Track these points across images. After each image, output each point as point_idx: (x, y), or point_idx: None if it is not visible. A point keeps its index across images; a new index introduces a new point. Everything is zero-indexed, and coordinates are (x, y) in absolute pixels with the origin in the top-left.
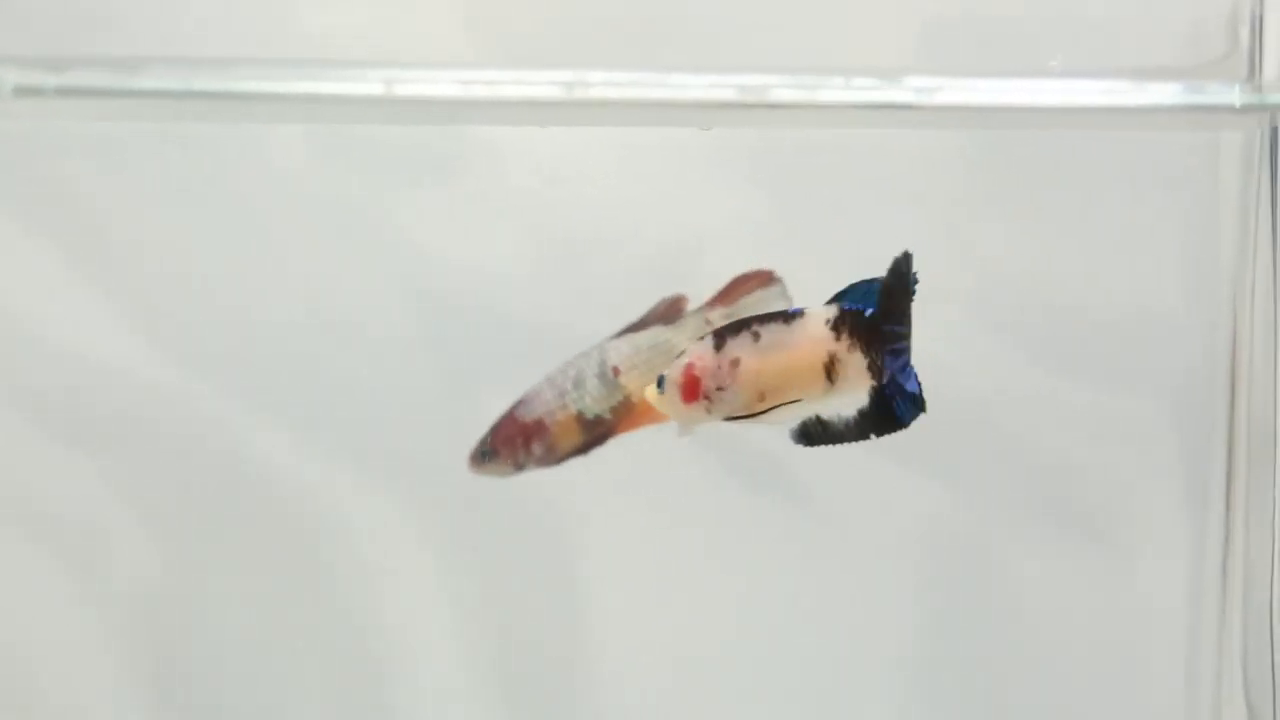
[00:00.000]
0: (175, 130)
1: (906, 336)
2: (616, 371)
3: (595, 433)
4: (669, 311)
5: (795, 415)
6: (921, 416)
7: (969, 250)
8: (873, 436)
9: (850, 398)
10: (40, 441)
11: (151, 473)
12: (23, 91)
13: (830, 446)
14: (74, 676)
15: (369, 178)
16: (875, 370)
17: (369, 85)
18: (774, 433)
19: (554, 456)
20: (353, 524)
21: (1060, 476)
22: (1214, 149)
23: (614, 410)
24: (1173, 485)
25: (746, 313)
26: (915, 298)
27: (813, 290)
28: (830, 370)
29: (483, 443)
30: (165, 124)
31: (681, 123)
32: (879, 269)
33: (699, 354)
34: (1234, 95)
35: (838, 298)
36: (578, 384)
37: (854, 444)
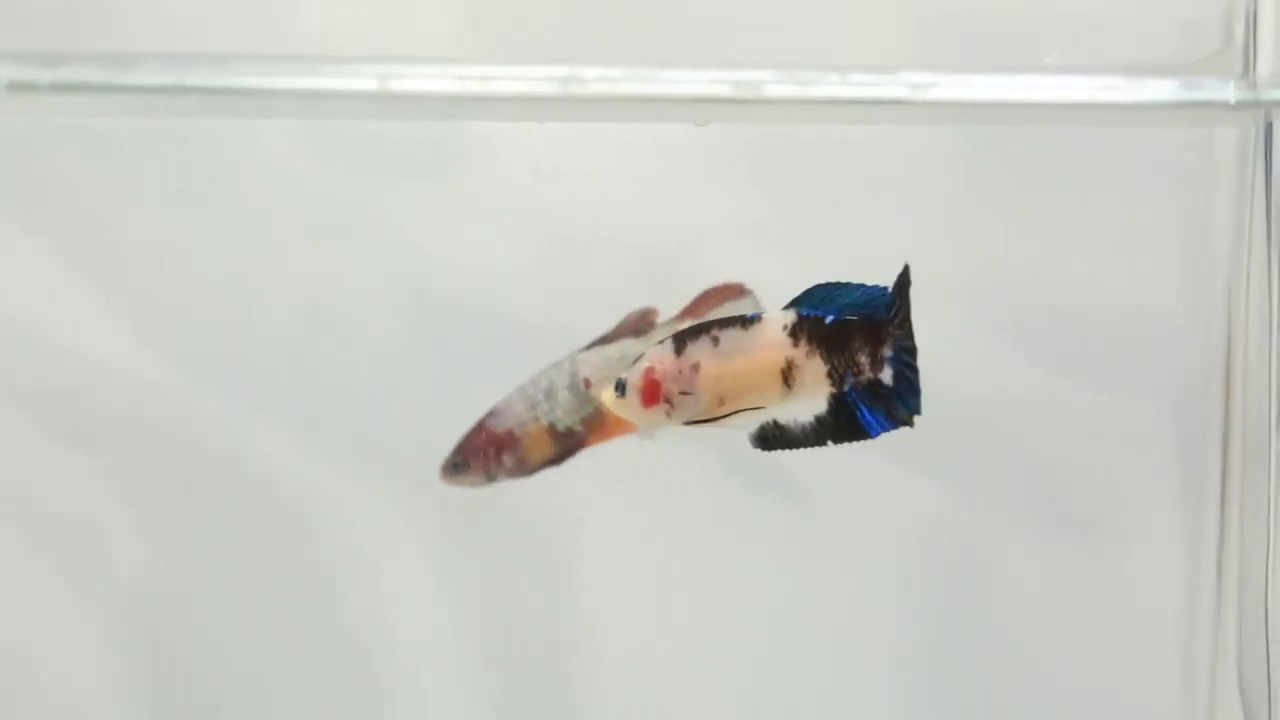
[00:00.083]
0: (173, 129)
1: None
2: (588, 383)
3: (566, 444)
4: (639, 324)
5: (755, 420)
6: (921, 416)
7: (966, 249)
8: (830, 443)
9: (808, 403)
10: (40, 441)
11: (150, 472)
12: (17, 87)
13: (829, 447)
14: (74, 676)
15: (368, 177)
16: (835, 377)
17: (364, 80)
18: None
19: (525, 468)
20: (352, 524)
21: (1058, 476)
22: (1209, 146)
23: (585, 422)
24: (1169, 485)
25: None
26: (914, 299)
27: None
28: (788, 376)
29: (454, 454)
30: (163, 122)
31: (677, 118)
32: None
33: (658, 358)
34: (1229, 91)
35: (796, 302)
36: (549, 395)
37: (854, 444)
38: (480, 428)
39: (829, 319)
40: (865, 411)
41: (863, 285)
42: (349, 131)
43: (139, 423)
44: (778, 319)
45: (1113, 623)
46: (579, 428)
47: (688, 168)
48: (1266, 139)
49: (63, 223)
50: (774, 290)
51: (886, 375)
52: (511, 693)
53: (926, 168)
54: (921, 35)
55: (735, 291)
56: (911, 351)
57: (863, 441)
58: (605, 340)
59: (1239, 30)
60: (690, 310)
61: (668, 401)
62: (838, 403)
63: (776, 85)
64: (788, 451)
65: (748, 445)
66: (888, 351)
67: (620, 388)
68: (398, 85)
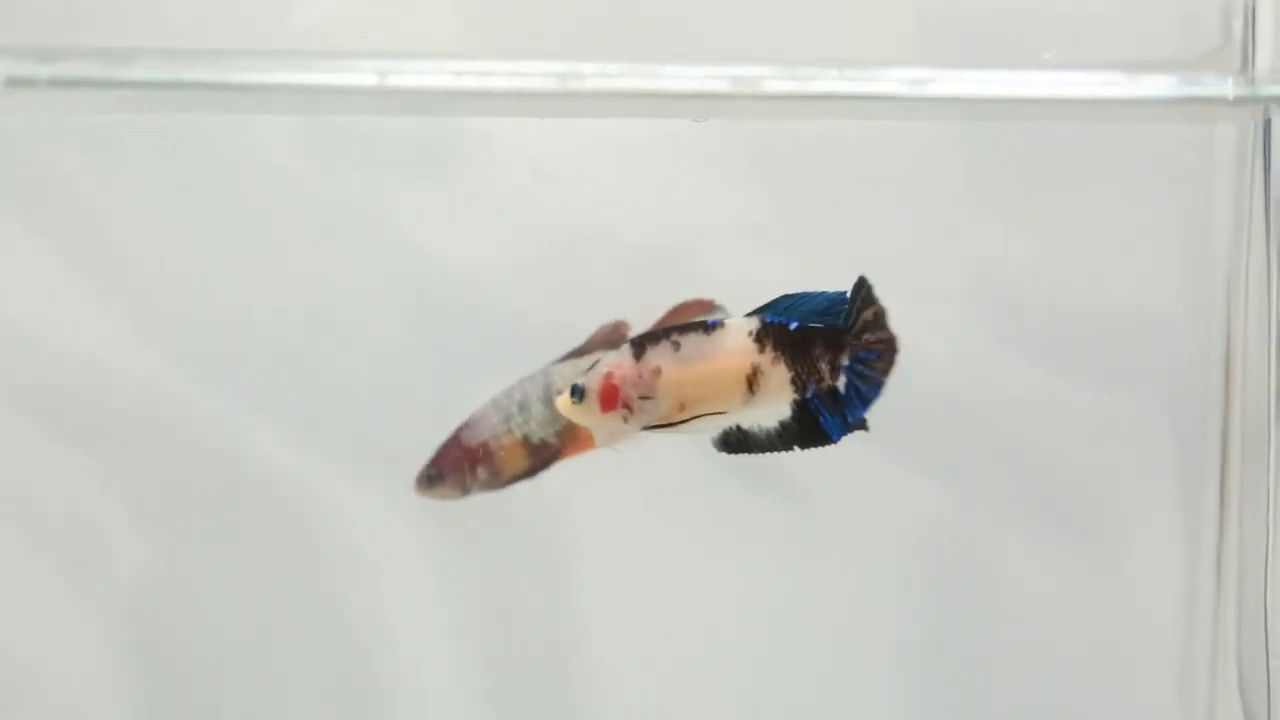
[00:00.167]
0: (172, 127)
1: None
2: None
3: (541, 457)
4: (612, 336)
5: (715, 425)
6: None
7: (966, 248)
8: (795, 449)
9: (771, 409)
10: (40, 441)
11: (150, 472)
12: (15, 82)
13: (830, 447)
14: (74, 676)
15: (367, 175)
16: (798, 384)
17: (362, 76)
18: None
19: (499, 480)
20: (352, 524)
21: (1058, 476)
22: (1209, 143)
23: (559, 435)
24: (1168, 484)
25: None
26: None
27: (811, 287)
28: (752, 381)
29: (428, 466)
30: (162, 120)
31: (675, 114)
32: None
33: (617, 363)
34: (1227, 87)
35: (761, 310)
36: (522, 408)
37: (854, 444)
38: (454, 440)
39: (793, 326)
40: (826, 417)
41: (825, 293)
42: (348, 129)
43: (139, 422)
44: (741, 325)
45: (1112, 622)
46: (553, 440)
47: (686, 165)
48: (1265, 135)
49: (62, 221)
50: (774, 288)
51: (840, 384)
52: (511, 693)
53: (926, 165)
54: (920, 31)
55: (708, 306)
56: (869, 362)
57: (863, 441)
58: (579, 353)
59: (1237, 26)
60: (662, 324)
61: (626, 406)
62: (800, 409)
63: (775, 80)
64: (787, 452)
65: None
66: (844, 360)
67: (578, 393)
68: (396, 80)
